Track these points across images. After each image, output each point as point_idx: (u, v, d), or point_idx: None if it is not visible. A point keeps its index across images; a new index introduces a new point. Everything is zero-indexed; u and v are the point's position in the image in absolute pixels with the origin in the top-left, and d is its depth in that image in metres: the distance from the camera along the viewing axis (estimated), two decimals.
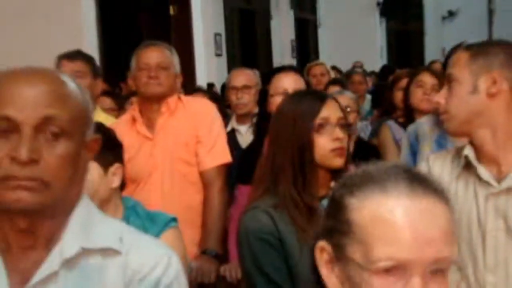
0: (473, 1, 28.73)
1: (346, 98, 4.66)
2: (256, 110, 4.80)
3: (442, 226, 1.36)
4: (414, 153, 3.76)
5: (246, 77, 5.08)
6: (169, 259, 1.65)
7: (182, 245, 2.85)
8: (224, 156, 3.91)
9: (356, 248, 1.39)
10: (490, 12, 29.65)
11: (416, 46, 26.84)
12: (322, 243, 1.50)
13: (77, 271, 1.57)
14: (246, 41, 16.87)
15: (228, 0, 15.83)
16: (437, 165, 2.48)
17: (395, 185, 1.39)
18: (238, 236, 2.60)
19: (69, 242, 1.57)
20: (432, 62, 14.01)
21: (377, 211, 1.38)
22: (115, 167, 2.72)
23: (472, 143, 2.37)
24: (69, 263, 1.56)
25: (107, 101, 5.69)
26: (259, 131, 4.08)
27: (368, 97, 8.04)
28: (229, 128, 4.82)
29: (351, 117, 4.19)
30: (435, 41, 27.31)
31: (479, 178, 2.34)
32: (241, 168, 3.94)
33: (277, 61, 17.66)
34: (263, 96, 3.97)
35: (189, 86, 10.56)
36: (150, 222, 2.74)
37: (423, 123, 3.83)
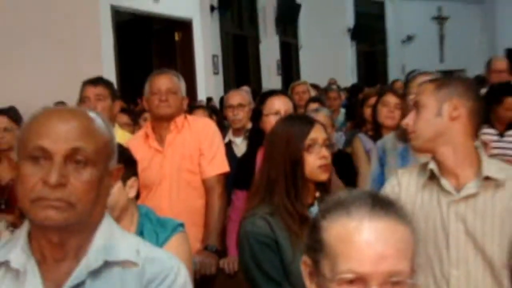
0: (427, 28, 28.94)
1: (322, 115, 4.67)
2: (249, 125, 4.85)
3: (398, 244, 1.38)
4: (382, 164, 3.77)
5: (240, 97, 5.09)
6: (178, 269, 1.65)
7: (188, 246, 2.82)
8: (223, 166, 3.93)
9: (325, 263, 1.42)
10: (441, 37, 29.84)
11: (381, 65, 27.04)
12: (305, 258, 1.53)
13: (101, 280, 1.57)
14: (239, 61, 16.95)
15: (224, 27, 15.87)
16: (405, 178, 2.49)
17: (358, 209, 1.41)
18: (238, 238, 2.61)
19: (94, 255, 1.59)
20: (395, 81, 14.14)
21: (341, 232, 1.40)
22: (131, 181, 2.70)
23: (435, 159, 2.39)
24: (94, 273, 1.57)
25: (124, 118, 5.66)
26: (252, 143, 4.18)
27: (342, 110, 8.05)
28: (226, 140, 4.81)
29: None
30: (396, 60, 27.47)
31: (442, 188, 2.36)
32: (236, 175, 3.95)
33: (265, 78, 17.74)
34: (256, 115, 4.05)
35: (191, 100, 10.57)
36: (161, 227, 2.72)
37: (389, 139, 3.85)
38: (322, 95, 8.08)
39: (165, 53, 13.25)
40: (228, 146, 4.64)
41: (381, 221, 1.39)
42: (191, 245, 2.96)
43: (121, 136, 4.20)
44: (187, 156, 3.83)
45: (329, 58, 20.86)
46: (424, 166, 2.43)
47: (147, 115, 5.17)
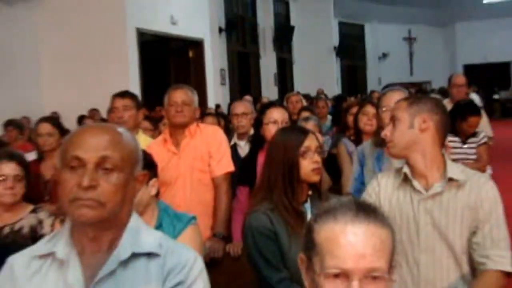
0: (399, 47, 29.12)
1: (312, 124, 4.74)
2: (251, 131, 4.84)
3: (376, 245, 1.37)
4: (362, 165, 3.77)
5: (244, 107, 5.06)
6: (194, 260, 1.64)
7: (200, 236, 2.83)
8: (229, 166, 3.90)
9: (316, 260, 1.42)
10: (411, 54, 29.88)
11: (361, 77, 27.20)
12: (301, 255, 1.51)
13: (129, 269, 1.58)
14: (242, 74, 17.02)
15: (230, 46, 15.91)
16: (384, 180, 2.49)
17: (343, 215, 1.40)
18: (243, 230, 2.59)
19: (123, 248, 1.59)
20: (372, 91, 14.12)
21: (329, 234, 1.40)
22: (153, 181, 2.69)
23: (408, 163, 2.39)
24: (123, 263, 1.57)
25: (146, 124, 5.63)
26: (254, 146, 4.14)
27: (329, 117, 8.00)
28: (232, 143, 4.78)
29: None
30: (374, 74, 27.60)
31: (414, 188, 2.36)
32: (240, 174, 3.94)
33: (264, 89, 17.79)
34: (257, 123, 4.05)
35: (202, 106, 10.57)
36: (177, 220, 2.72)
37: (367, 145, 3.85)
38: (312, 104, 8.06)
39: (180, 68, 13.27)
40: (233, 148, 4.62)
41: (362, 225, 1.38)
42: (202, 232, 2.97)
43: (144, 140, 4.22)
44: (198, 157, 3.81)
45: (317, 71, 20.96)
46: (399, 170, 2.43)
47: (165, 121, 5.14)
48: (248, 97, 10.89)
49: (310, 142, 2.58)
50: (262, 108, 4.30)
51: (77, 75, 10.16)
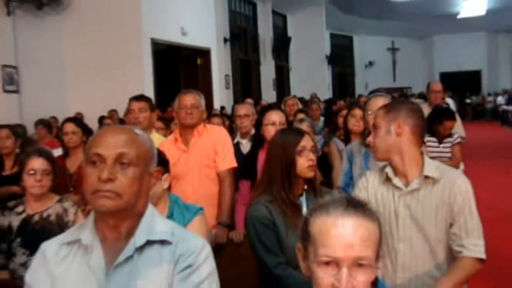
0: (384, 56, 29.24)
1: (306, 125, 4.74)
2: (253, 131, 4.84)
3: (363, 236, 1.37)
4: (351, 162, 3.76)
5: (246, 109, 5.05)
6: (202, 247, 1.63)
7: (206, 224, 2.82)
8: (232, 162, 3.88)
9: (311, 249, 1.42)
10: (394, 63, 29.90)
11: (350, 83, 27.19)
12: (299, 245, 1.51)
13: (144, 255, 1.58)
14: (244, 79, 16.97)
15: (234, 54, 15.87)
16: (371, 177, 2.48)
17: (335, 209, 1.40)
18: (245, 220, 2.57)
19: (140, 236, 1.58)
20: (360, 96, 14.11)
21: (321, 226, 1.40)
22: (165, 176, 2.68)
23: (390, 164, 2.38)
24: (139, 250, 1.57)
25: (159, 124, 5.59)
26: (254, 145, 4.13)
27: (322, 118, 7.98)
28: (235, 141, 4.76)
29: None
30: (361, 80, 27.63)
31: (395, 185, 2.35)
32: (242, 169, 3.92)
33: (264, 92, 17.76)
34: (258, 124, 4.05)
35: (209, 108, 10.58)
36: (186, 210, 2.71)
37: (355, 144, 3.85)
38: (306, 106, 8.04)
39: (190, 74, 13.24)
40: (237, 146, 4.59)
41: (351, 219, 1.38)
42: (208, 221, 2.96)
43: (157, 138, 4.20)
44: (205, 155, 3.79)
45: (311, 77, 20.96)
46: (383, 168, 2.42)
47: (176, 121, 5.11)
48: (249, 100, 10.86)
49: (306, 142, 2.56)
50: (262, 111, 4.28)
51: (98, 79, 10.15)
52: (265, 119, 3.88)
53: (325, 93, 20.26)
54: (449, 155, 5.03)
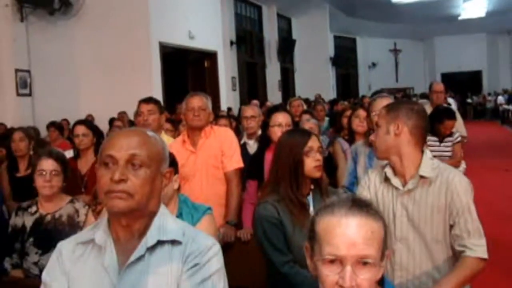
0: (386, 57, 29.19)
1: (311, 124, 4.72)
2: (259, 131, 4.82)
3: (367, 234, 1.37)
4: (355, 162, 3.74)
5: (253, 110, 5.03)
6: (211, 246, 1.61)
7: (214, 224, 2.81)
8: (239, 163, 3.86)
9: (316, 248, 1.42)
10: (396, 64, 29.83)
11: (353, 84, 27.11)
12: (306, 244, 1.50)
13: (155, 254, 1.57)
14: (250, 81, 16.98)
15: (240, 56, 15.89)
16: (372, 176, 2.45)
17: (340, 209, 1.40)
18: (253, 219, 2.56)
19: (151, 236, 1.57)
20: (363, 96, 14.07)
21: (326, 225, 1.40)
22: (175, 177, 2.65)
23: (389, 164, 2.36)
24: (151, 249, 1.56)
25: (168, 125, 5.58)
26: (261, 145, 4.12)
27: (326, 119, 7.94)
28: (242, 142, 4.75)
29: None
30: (364, 81, 27.57)
31: (393, 185, 2.33)
32: (249, 169, 3.90)
33: (269, 94, 17.78)
34: (264, 125, 4.03)
35: (216, 110, 10.57)
36: (195, 210, 2.70)
37: (360, 144, 3.83)
38: (311, 108, 8.01)
39: (197, 76, 13.23)
40: (243, 147, 4.58)
41: (355, 218, 1.38)
42: (216, 220, 2.94)
43: (166, 140, 4.15)
44: (213, 155, 3.77)
45: (316, 79, 20.91)
46: (383, 167, 2.40)
47: (184, 123, 5.11)
48: (255, 102, 10.85)
49: (313, 143, 2.55)
50: (268, 112, 4.26)
51: (108, 82, 10.18)
52: (271, 121, 3.85)
53: (329, 94, 20.24)
54: (450, 154, 5.00)
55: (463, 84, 28.47)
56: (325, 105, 9.45)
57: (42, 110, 9.55)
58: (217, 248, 1.63)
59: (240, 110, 9.03)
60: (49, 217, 3.15)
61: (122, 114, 9.47)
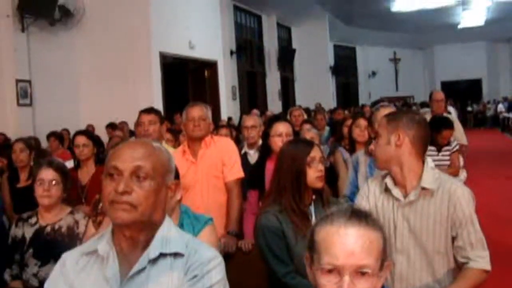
0: (386, 66, 29.22)
1: (312, 133, 4.74)
2: (260, 141, 4.77)
3: (364, 245, 1.37)
4: (356, 171, 3.76)
5: (253, 120, 5.03)
6: (213, 257, 1.60)
7: (216, 234, 2.77)
8: (240, 173, 3.85)
9: (316, 257, 1.43)
10: (396, 73, 29.85)
11: (353, 93, 27.15)
12: (306, 254, 1.51)
13: (157, 267, 1.55)
14: (250, 90, 17.01)
15: (240, 66, 15.91)
16: (372, 185, 2.43)
17: (338, 219, 1.41)
18: (255, 229, 2.56)
19: (153, 248, 1.56)
20: (363, 105, 14.06)
21: (325, 235, 1.41)
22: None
23: (390, 174, 2.34)
24: (152, 262, 1.55)
25: (168, 135, 5.58)
26: (262, 155, 4.06)
27: (327, 128, 7.94)
28: (243, 151, 4.74)
29: None
30: (365, 89, 27.61)
31: (394, 196, 2.31)
32: (250, 179, 3.87)
33: (269, 103, 17.78)
34: (265, 135, 3.96)
35: (217, 119, 10.59)
36: (196, 221, 2.67)
37: (361, 154, 3.83)
38: (312, 117, 7.99)
39: (198, 85, 13.26)
40: (244, 156, 4.57)
41: (353, 228, 1.39)
42: (217, 229, 2.91)
43: None
44: (213, 165, 3.76)
45: (316, 88, 20.92)
46: (384, 177, 2.38)
47: (185, 133, 5.11)
48: (255, 111, 10.87)
49: (315, 153, 2.55)
50: (269, 122, 4.24)
51: (108, 92, 10.20)
52: (272, 131, 3.83)
53: (330, 103, 20.23)
54: (448, 163, 4.99)
55: (463, 92, 28.51)
56: (325, 114, 9.46)
57: (43, 120, 9.55)
58: (218, 260, 1.61)
59: (240, 119, 9.04)
60: (48, 228, 3.14)
61: (123, 124, 9.46)
